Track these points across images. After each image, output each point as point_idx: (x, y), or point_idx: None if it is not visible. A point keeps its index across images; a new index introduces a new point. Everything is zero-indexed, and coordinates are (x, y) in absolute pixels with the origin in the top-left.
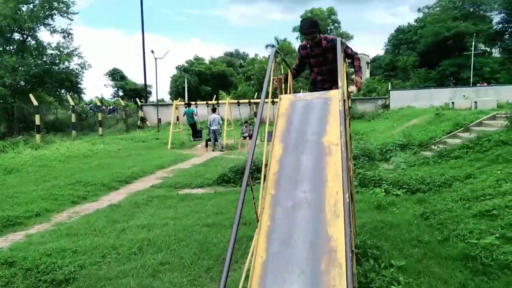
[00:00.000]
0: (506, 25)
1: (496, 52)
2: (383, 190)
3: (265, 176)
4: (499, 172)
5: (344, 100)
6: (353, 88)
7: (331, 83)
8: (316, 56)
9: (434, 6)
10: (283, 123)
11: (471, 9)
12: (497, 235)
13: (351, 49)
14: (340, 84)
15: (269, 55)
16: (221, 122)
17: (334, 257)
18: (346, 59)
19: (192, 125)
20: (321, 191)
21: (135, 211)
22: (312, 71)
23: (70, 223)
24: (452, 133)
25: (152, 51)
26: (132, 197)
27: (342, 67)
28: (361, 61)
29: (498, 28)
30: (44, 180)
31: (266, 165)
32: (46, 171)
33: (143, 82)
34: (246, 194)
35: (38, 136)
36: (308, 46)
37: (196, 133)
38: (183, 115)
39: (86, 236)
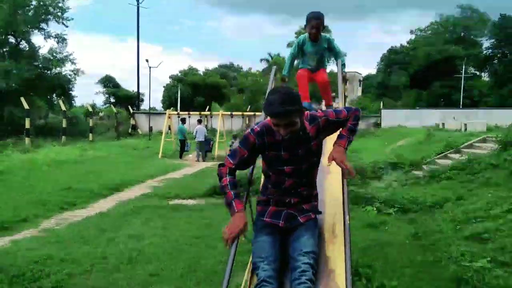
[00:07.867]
0: (495, 50)
1: (485, 76)
2: (375, 209)
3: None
4: (489, 195)
5: None
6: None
7: (307, 193)
8: (291, 147)
9: (426, 28)
10: None
11: (462, 34)
12: (489, 258)
13: (347, 108)
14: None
15: (263, 69)
16: (206, 134)
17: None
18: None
19: (182, 141)
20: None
21: (125, 220)
22: (273, 171)
23: (58, 230)
24: (443, 153)
25: (147, 60)
26: (122, 205)
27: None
28: (359, 120)
29: (487, 53)
30: (32, 184)
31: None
32: (35, 175)
33: (134, 90)
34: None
35: (27, 140)
36: (278, 134)
37: (184, 148)
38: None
39: (74, 244)
